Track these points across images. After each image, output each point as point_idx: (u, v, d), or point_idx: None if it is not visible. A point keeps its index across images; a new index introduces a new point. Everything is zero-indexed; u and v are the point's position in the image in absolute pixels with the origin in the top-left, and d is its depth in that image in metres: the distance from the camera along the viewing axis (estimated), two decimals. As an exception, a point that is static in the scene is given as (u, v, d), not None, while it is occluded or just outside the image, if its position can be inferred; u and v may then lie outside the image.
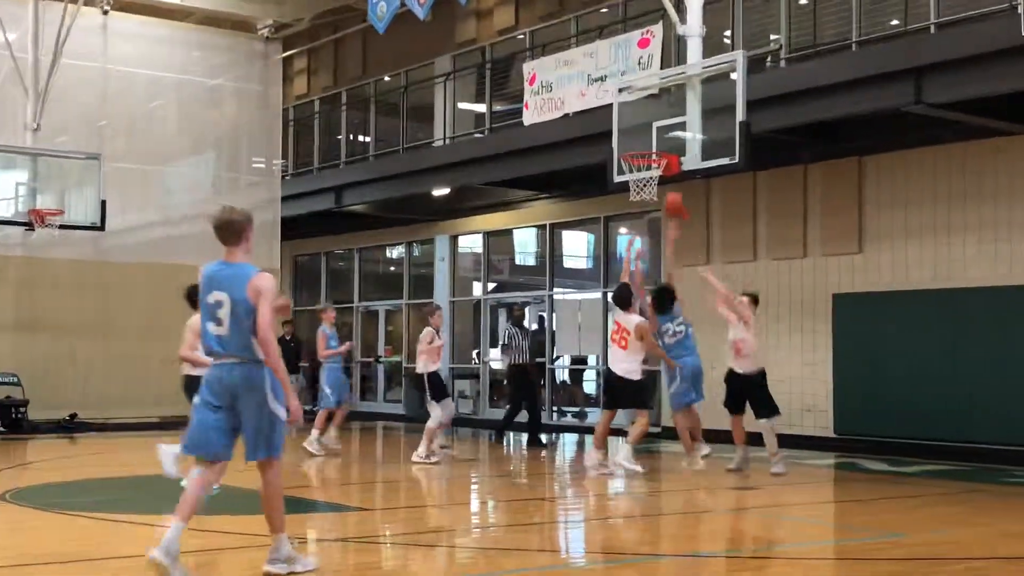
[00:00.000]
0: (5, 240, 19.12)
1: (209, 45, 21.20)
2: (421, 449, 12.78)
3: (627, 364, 11.75)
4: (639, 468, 11.63)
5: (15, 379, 17.65)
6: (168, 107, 21.17)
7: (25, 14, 17.99)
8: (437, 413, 12.93)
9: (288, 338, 21.62)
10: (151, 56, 20.39)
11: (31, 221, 16.41)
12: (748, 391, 12.06)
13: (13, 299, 18.64)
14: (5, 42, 17.46)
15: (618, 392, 11.89)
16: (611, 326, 11.87)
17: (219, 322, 6.33)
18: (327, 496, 10.73)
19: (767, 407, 12.04)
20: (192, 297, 9.86)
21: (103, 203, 17.02)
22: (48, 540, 7.99)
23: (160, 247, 20.26)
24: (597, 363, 19.49)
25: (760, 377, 12.13)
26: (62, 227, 16.80)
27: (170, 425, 16.84)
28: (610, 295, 18.71)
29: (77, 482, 11.21)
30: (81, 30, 17.95)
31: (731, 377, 12.23)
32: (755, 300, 12.51)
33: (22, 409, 17.49)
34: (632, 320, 11.81)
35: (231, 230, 6.58)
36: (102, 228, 17.20)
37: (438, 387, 13.10)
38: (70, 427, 17.91)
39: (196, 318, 8.79)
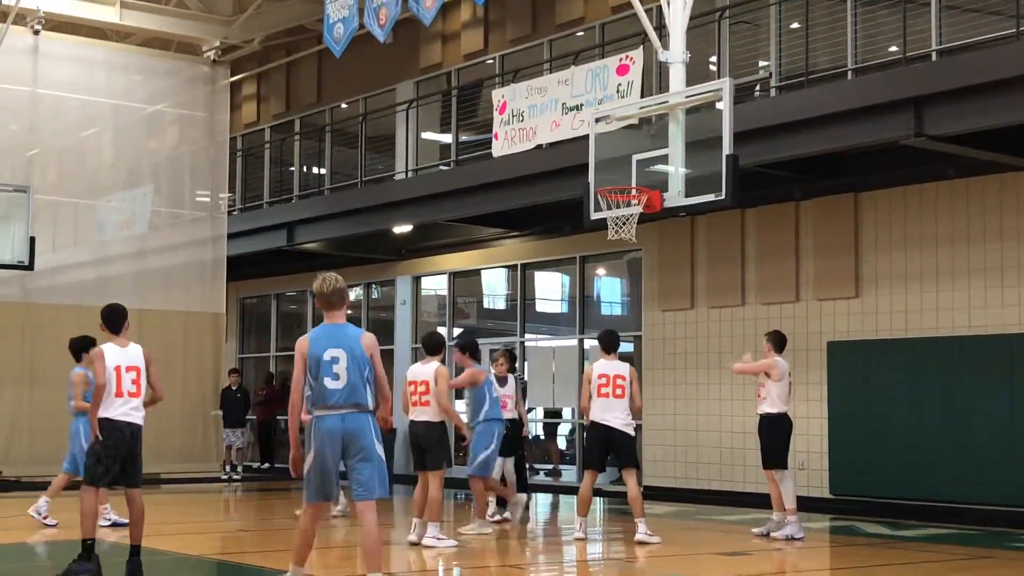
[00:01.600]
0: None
1: (149, 69, 21.18)
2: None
3: (626, 416, 11.57)
4: (658, 539, 11.49)
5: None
6: (103, 135, 21.12)
7: (-53, 33, 17.91)
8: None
9: (234, 388, 21.49)
10: (86, 80, 20.35)
11: (-49, 259, 16.23)
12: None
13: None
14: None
15: (619, 449, 11.59)
16: (595, 375, 11.66)
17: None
18: (271, 563, 10.55)
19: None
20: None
21: (32, 240, 16.86)
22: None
23: (93, 288, 20.07)
24: (572, 416, 19.41)
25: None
26: (-14, 265, 16.62)
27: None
28: (589, 341, 18.72)
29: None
30: (9, 51, 17.94)
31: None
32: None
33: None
34: (625, 367, 11.72)
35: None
36: (30, 267, 17.04)
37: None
38: (-9, 485, 17.61)
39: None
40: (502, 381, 13.41)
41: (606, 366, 11.62)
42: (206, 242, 21.43)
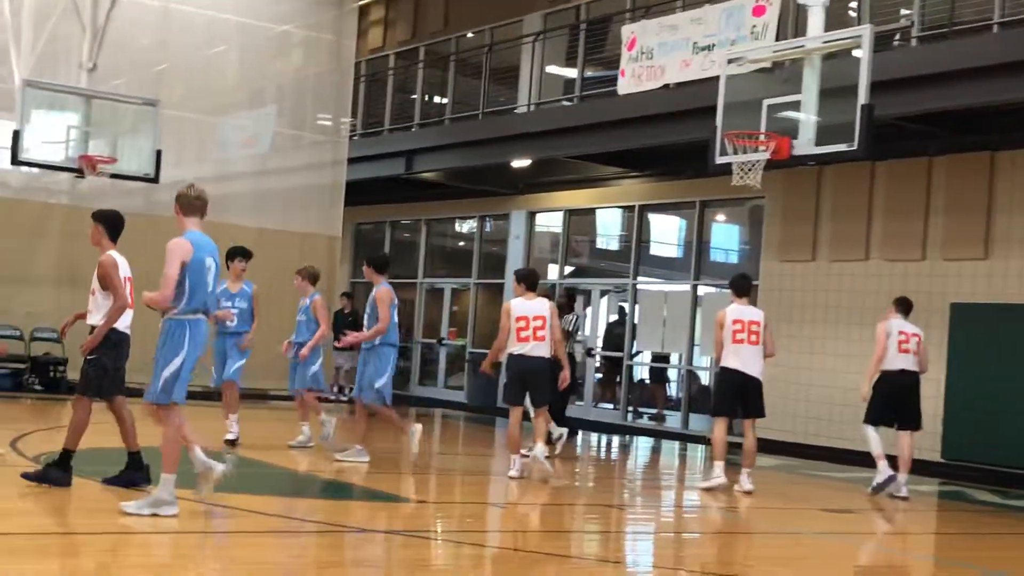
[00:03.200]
0: (51, 187, 19.55)
1: (278, -13, 21.42)
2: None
3: (762, 365, 11.58)
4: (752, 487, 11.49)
5: (56, 336, 18.02)
6: (230, 53, 21.43)
7: (85, -55, 18.32)
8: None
9: (346, 312, 21.93)
10: (213, -3, 20.66)
11: (81, 167, 16.72)
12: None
13: (56, 251, 19.04)
14: (63, -27, 17.80)
15: (751, 397, 11.59)
16: (729, 320, 11.47)
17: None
18: (377, 484, 10.85)
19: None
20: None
21: (158, 153, 17.27)
22: (78, 510, 8.19)
23: (213, 204, 20.37)
24: (680, 362, 19.41)
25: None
26: (113, 176, 17.08)
27: (216, 394, 17.16)
28: (702, 288, 18.68)
29: (112, 449, 11.43)
30: (143, -35, 18.25)
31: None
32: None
33: (61, 368, 17.89)
34: (759, 312, 11.68)
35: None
36: (156, 180, 17.45)
37: None
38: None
39: None
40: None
41: (740, 311, 11.54)
42: (326, 166, 21.75)
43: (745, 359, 11.45)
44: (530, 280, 11.47)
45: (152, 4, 19.84)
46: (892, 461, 11.91)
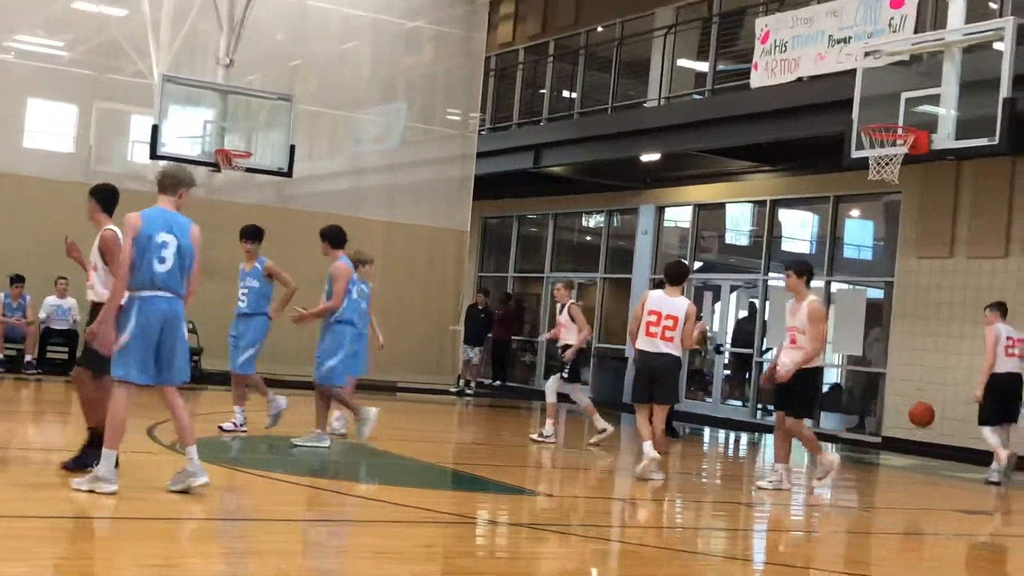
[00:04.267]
0: (188, 181, 20.13)
1: (410, -17, 21.69)
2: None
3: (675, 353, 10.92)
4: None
5: (191, 326, 18.52)
6: (362, 49, 21.79)
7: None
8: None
9: (480, 307, 22.24)
10: (348, -7, 21.00)
11: (217, 161, 17.17)
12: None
13: (192, 242, 19.60)
14: (202, -29, 18.30)
15: (662, 384, 10.93)
16: (646, 310, 10.81)
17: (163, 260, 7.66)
18: (502, 476, 10.94)
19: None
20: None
21: (292, 148, 17.64)
22: (216, 495, 8.43)
23: (346, 199, 20.95)
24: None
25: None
26: (248, 170, 17.51)
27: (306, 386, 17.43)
28: (836, 284, 18.38)
29: (251, 437, 11.75)
30: (279, -38, 18.66)
31: None
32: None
33: (196, 358, 18.38)
34: (684, 305, 10.94)
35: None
36: (289, 174, 17.82)
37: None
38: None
39: None
40: (561, 308, 13.63)
41: (661, 301, 10.79)
42: (455, 160, 21.97)
43: (657, 347, 10.77)
44: (673, 274, 11.01)
45: (288, 0, 20.26)
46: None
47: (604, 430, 13.30)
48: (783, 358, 10.63)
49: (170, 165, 8.30)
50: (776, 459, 10.92)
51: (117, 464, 7.53)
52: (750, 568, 7.73)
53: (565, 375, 13.44)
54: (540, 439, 13.28)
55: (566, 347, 13.53)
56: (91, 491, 7.46)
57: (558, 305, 13.89)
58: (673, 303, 10.78)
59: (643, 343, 10.77)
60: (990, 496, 12.33)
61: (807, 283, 10.71)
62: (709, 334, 17.55)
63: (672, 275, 11.04)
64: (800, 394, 10.58)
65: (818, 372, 11.03)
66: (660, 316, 10.72)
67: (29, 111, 19.75)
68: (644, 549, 7.85)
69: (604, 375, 21.69)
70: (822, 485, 11.07)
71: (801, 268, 10.73)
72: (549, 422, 13.43)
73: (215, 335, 18.71)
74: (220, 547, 6.76)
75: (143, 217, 7.73)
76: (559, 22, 23.65)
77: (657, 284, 11.92)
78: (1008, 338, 12.96)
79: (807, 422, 11.08)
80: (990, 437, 12.87)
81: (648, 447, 10.61)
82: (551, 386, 13.59)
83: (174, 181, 8.03)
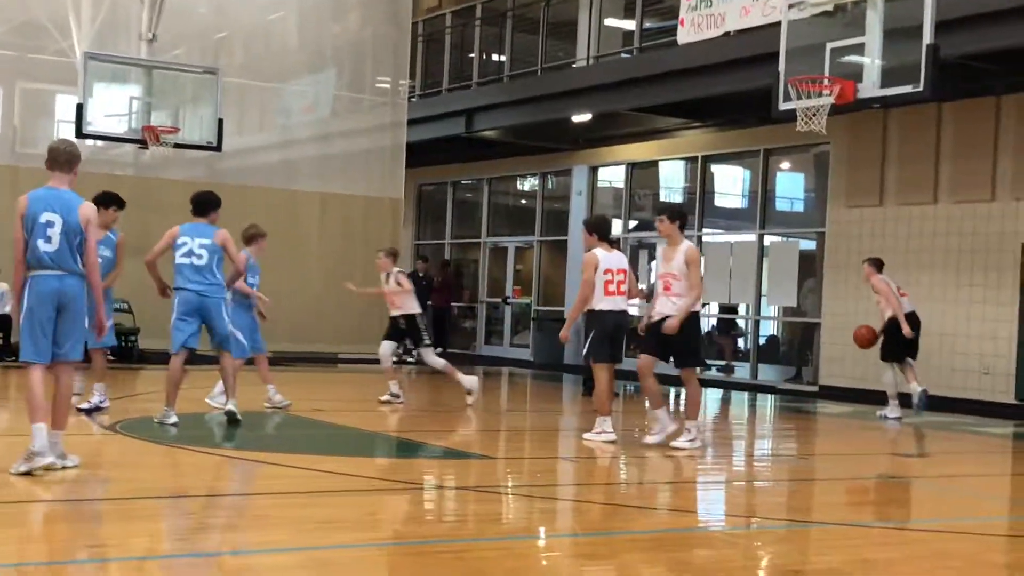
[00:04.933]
0: (117, 159, 19.82)
1: (335, -51, 21.44)
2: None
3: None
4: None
5: (126, 306, 18.31)
6: (288, 19, 21.53)
7: (141, -87, 18.42)
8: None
9: (421, 274, 22.18)
10: (273, -38, 20.73)
11: (145, 139, 16.91)
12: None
13: (124, 222, 19.18)
14: (121, -55, 17.94)
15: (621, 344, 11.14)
16: (602, 269, 10.59)
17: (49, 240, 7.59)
18: (447, 442, 10.95)
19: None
20: None
21: (220, 121, 17.40)
22: (160, 474, 8.36)
23: (277, 171, 20.75)
24: (747, 312, 19.32)
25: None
26: (177, 146, 17.25)
27: (285, 361, 17.32)
28: (768, 237, 18.55)
29: (187, 416, 11.65)
30: (200, -68, 18.34)
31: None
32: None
33: (132, 338, 18.19)
34: (624, 258, 11.06)
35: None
36: (218, 148, 17.57)
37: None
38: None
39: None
40: (386, 278, 13.36)
41: (608, 258, 10.63)
42: (386, 128, 21.81)
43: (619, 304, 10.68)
44: (603, 229, 10.83)
45: (209, -29, 19.98)
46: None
47: (471, 391, 13.14)
48: (660, 307, 10.29)
49: (59, 141, 8.10)
50: (654, 406, 10.58)
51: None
52: (694, 519, 7.80)
53: (428, 342, 13.19)
54: (389, 399, 13.16)
55: (407, 316, 13.18)
56: (30, 471, 7.41)
57: (382, 275, 13.41)
58: (617, 258, 10.76)
59: (604, 302, 10.47)
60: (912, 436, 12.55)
61: (681, 228, 10.45)
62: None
63: (594, 226, 10.90)
64: (682, 343, 10.20)
65: (697, 317, 10.66)
66: (613, 272, 10.53)
67: (-52, 95, 19.36)
68: (590, 506, 7.89)
69: (544, 338, 21.74)
70: (654, 441, 10.47)
71: (674, 213, 10.48)
72: (393, 383, 13.29)
73: (152, 315, 18.52)
74: (166, 526, 6.71)
75: (29, 198, 7.70)
76: (486, -16, 23.49)
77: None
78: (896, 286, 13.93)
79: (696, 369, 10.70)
80: (891, 375, 13.90)
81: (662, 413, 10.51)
82: (385, 352, 13.40)
83: (70, 157, 7.86)
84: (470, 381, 13.23)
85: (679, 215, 10.53)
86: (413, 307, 13.24)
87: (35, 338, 7.60)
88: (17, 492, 7.22)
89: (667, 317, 10.17)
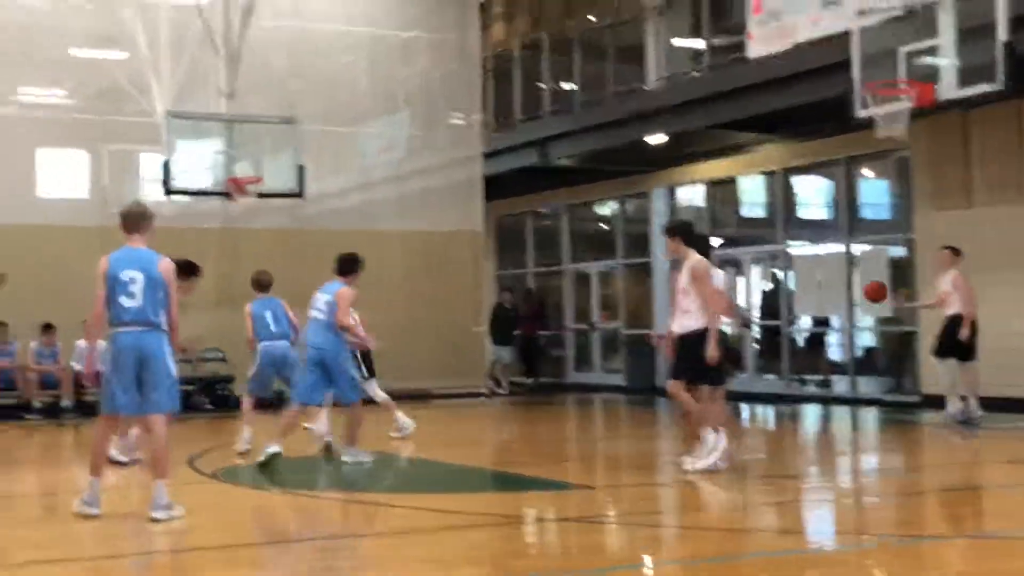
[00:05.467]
0: (203, 212, 20.18)
1: (402, -6, 21.69)
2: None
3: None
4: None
5: (221, 355, 18.65)
6: (360, 64, 21.81)
7: (214, -26, 18.83)
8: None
9: (507, 306, 22.30)
10: (343, 10, 21.03)
11: (230, 191, 17.24)
12: None
13: (214, 273, 19.55)
14: (195, 3, 18.32)
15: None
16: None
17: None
18: (545, 473, 10.94)
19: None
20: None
21: (301, 168, 17.68)
22: (262, 519, 8.47)
23: (358, 213, 21.01)
24: (840, 324, 19.05)
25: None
26: (261, 195, 17.56)
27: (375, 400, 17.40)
28: (856, 246, 18.30)
29: (285, 460, 11.80)
30: (271, -13, 18.67)
31: None
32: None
33: (228, 385, 18.48)
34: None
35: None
36: (301, 195, 17.88)
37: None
38: (277, 403, 18.78)
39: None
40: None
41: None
42: (462, 163, 21.99)
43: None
44: (688, 231, 10.25)
45: (282, 24, 20.28)
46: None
47: (402, 430, 12.84)
48: (673, 326, 10.03)
49: (130, 204, 8.46)
50: (697, 427, 10.18)
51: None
52: (803, 540, 7.71)
53: (365, 375, 12.81)
54: (399, 436, 12.92)
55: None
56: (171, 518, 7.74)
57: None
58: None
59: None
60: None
61: (686, 242, 9.96)
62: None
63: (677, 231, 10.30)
64: (692, 360, 9.80)
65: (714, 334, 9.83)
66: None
67: (39, 161, 19.86)
68: (694, 532, 7.83)
69: (635, 362, 21.65)
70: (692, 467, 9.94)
71: (673, 228, 10.15)
72: (399, 414, 13.12)
73: (246, 363, 18.78)
74: (273, 573, 6.78)
75: (110, 259, 8.01)
76: (550, 15, 23.61)
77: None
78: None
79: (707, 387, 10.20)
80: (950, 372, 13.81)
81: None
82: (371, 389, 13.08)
83: (140, 218, 8.17)
84: (405, 422, 12.92)
85: (681, 230, 10.17)
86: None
87: (116, 391, 7.89)
88: (139, 543, 7.35)
89: (683, 335, 9.89)
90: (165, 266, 8.03)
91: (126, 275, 7.89)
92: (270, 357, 11.79)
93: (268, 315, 11.87)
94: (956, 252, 13.80)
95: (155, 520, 7.69)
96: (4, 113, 19.23)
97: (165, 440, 8.03)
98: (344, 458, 10.88)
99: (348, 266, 11.15)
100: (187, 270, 10.71)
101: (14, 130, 18.96)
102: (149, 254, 8.05)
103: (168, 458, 8.02)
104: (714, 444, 9.89)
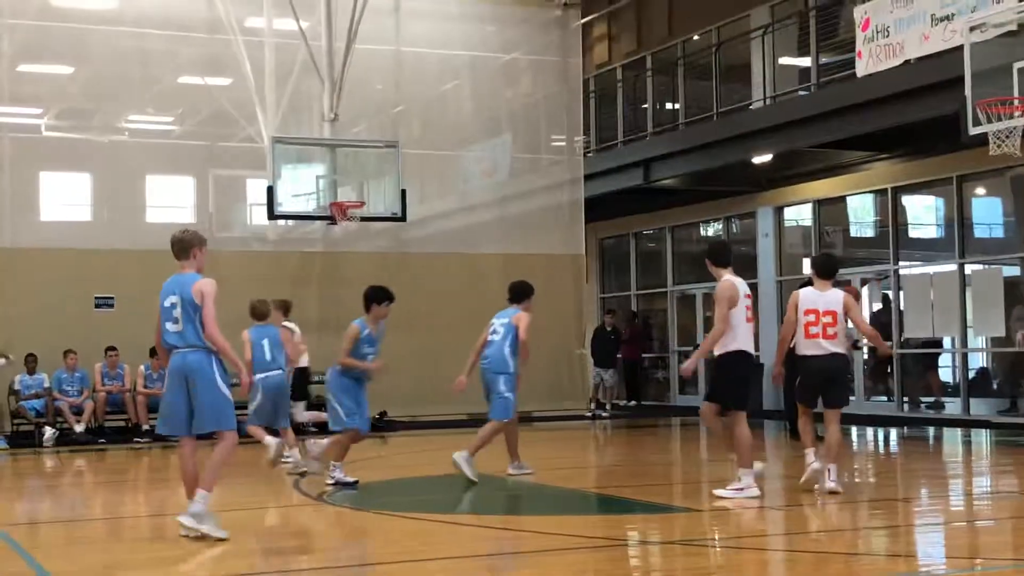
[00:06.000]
0: (307, 236, 20.59)
1: (503, 17, 21.88)
2: None
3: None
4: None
5: (320, 379, 18.91)
6: (462, 88, 22.07)
7: (317, 1, 19.22)
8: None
9: (608, 328, 22.31)
10: (443, 35, 21.32)
11: (333, 215, 17.55)
12: None
13: (317, 297, 19.98)
14: (299, 30, 18.73)
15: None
16: (801, 309, 10.10)
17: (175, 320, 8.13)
18: (651, 497, 10.92)
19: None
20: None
21: (403, 192, 17.93)
22: (368, 541, 8.59)
23: (461, 236, 21.23)
24: (953, 346, 18.71)
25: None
26: (363, 220, 17.85)
27: (479, 422, 17.53)
28: (969, 266, 17.98)
29: (390, 482, 11.97)
30: (373, 12, 18.99)
31: None
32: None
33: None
34: (838, 297, 10.20)
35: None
36: (403, 219, 18.12)
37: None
38: (380, 426, 19.04)
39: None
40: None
41: (815, 298, 10.08)
42: (563, 185, 22.09)
43: (823, 347, 10.03)
44: (822, 268, 10.30)
45: (385, 49, 20.63)
46: None
47: (272, 456, 11.96)
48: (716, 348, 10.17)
49: (176, 232, 8.55)
50: (804, 444, 10.21)
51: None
52: (915, 564, 7.60)
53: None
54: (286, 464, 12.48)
55: (302, 369, 14.08)
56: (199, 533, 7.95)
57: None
58: (827, 297, 10.04)
59: (807, 347, 10.03)
60: None
61: (717, 264, 10.25)
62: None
63: (821, 268, 10.32)
64: (717, 383, 10.14)
65: (737, 358, 10.01)
66: (818, 314, 9.99)
67: (148, 187, 20.44)
68: (802, 555, 7.77)
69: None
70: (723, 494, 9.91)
71: (709, 252, 10.40)
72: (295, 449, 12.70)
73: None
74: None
75: (164, 286, 8.30)
76: (654, 35, 23.63)
77: (804, 283, 11.41)
78: None
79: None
80: None
81: (810, 455, 10.05)
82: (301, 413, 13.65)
83: (183, 245, 8.35)
84: (276, 447, 12.18)
85: (713, 252, 10.43)
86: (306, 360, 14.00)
87: (167, 414, 8.23)
88: (233, 566, 7.52)
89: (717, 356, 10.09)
90: (200, 285, 8.12)
91: (168, 301, 8.16)
92: (266, 388, 12.13)
93: (265, 343, 12.23)
94: None
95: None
96: (116, 140, 19.86)
97: (221, 457, 8.21)
98: (510, 471, 11.62)
99: (520, 294, 11.84)
100: (380, 297, 11.31)
101: (125, 156, 19.55)
102: (189, 276, 8.23)
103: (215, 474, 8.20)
104: (741, 477, 9.94)
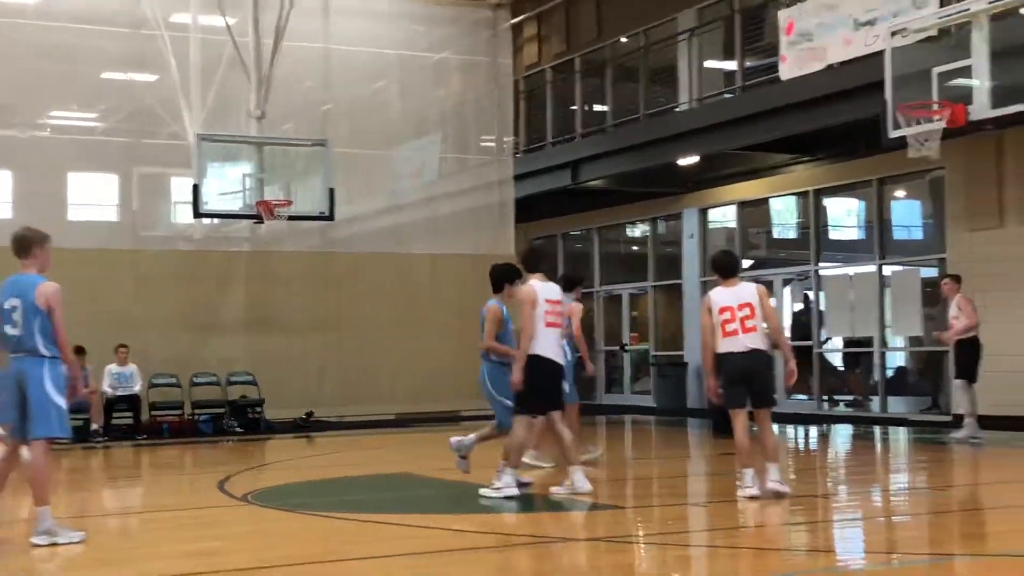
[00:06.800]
0: (233, 235, 20.40)
1: (432, 17, 21.86)
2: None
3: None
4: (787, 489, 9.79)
5: (251, 378, 18.80)
6: (391, 87, 22.01)
7: (245, -3, 19.04)
8: None
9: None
10: (373, 33, 21.25)
11: (259, 214, 17.39)
12: None
13: (244, 296, 19.85)
14: (226, 26, 18.53)
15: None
16: (715, 309, 9.71)
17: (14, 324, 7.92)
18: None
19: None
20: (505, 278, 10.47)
21: (331, 191, 17.84)
22: (292, 541, 8.53)
23: (390, 236, 21.15)
24: (873, 345, 19.00)
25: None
26: (291, 218, 17.72)
27: (407, 422, 17.50)
28: (888, 267, 18.28)
29: (316, 482, 11.88)
30: (302, 10, 18.85)
31: None
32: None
33: (258, 409, 18.62)
34: (751, 290, 9.89)
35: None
36: (331, 218, 18.02)
37: None
38: (306, 426, 18.94)
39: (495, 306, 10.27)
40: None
41: (726, 295, 9.73)
42: (493, 186, 22.12)
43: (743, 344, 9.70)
44: (722, 266, 9.94)
45: (313, 47, 20.50)
46: None
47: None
48: None
49: (17, 230, 8.40)
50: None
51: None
52: (834, 559, 7.70)
53: None
54: None
55: None
56: (53, 544, 7.77)
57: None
58: (739, 292, 9.68)
59: (726, 344, 9.62)
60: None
61: (526, 270, 10.47)
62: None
63: (724, 269, 9.90)
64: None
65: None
66: (732, 310, 9.61)
67: (70, 185, 20.13)
68: (721, 551, 7.84)
69: (665, 383, 21.68)
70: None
71: (711, 263, 10.31)
72: None
73: (275, 385, 18.95)
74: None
75: (2, 289, 8.08)
76: (583, 38, 23.72)
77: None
78: None
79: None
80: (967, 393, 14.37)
81: (748, 477, 9.62)
82: None
83: (21, 244, 8.19)
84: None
85: (714, 263, 10.18)
86: None
87: (6, 419, 8.04)
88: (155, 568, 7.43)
89: None
90: (44, 289, 7.97)
91: (8, 304, 7.95)
92: None
93: None
94: (957, 279, 14.65)
95: (35, 545, 7.80)
96: (38, 136, 19.52)
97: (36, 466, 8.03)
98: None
99: (570, 283, 12.25)
100: (513, 274, 10.51)
101: (46, 153, 19.22)
102: (29, 279, 8.05)
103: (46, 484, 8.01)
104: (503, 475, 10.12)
